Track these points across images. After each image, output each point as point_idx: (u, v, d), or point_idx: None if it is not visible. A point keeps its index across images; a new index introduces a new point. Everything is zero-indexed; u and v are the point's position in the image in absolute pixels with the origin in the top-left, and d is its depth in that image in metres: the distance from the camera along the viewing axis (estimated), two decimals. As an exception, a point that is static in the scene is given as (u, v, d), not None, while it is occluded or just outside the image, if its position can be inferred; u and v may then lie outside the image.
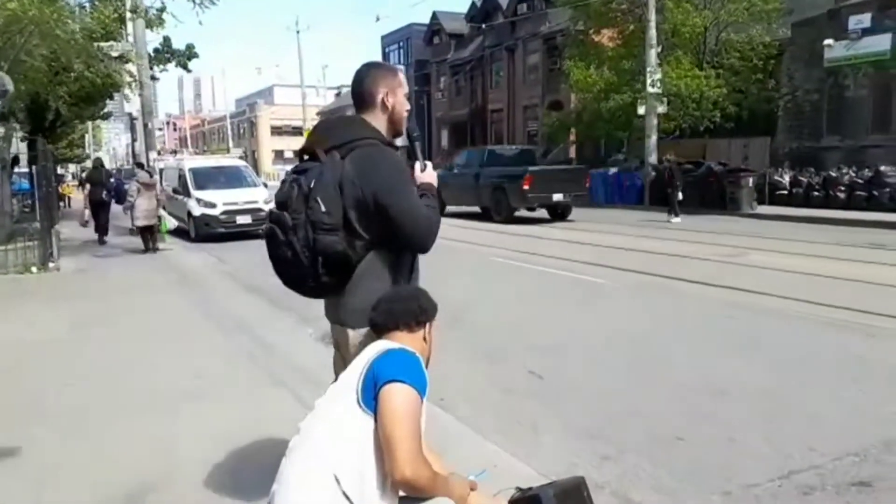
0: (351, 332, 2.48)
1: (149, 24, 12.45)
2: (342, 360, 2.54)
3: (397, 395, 2.02)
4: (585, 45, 26.20)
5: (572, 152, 33.75)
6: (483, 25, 39.27)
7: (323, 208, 2.32)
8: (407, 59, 48.26)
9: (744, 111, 22.81)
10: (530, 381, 5.12)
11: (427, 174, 2.58)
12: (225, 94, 75.38)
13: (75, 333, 6.65)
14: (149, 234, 12.68)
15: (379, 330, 2.29)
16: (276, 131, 70.79)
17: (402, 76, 2.58)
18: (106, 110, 21.81)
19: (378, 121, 2.51)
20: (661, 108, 21.78)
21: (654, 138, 22.06)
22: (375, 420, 2.03)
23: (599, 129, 25.83)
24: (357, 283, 2.43)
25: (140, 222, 12.55)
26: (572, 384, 5.01)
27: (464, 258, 11.79)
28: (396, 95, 2.51)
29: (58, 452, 3.76)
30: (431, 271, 10.28)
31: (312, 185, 2.36)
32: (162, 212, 12.70)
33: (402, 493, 2.08)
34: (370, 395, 2.04)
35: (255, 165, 72.17)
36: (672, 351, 5.77)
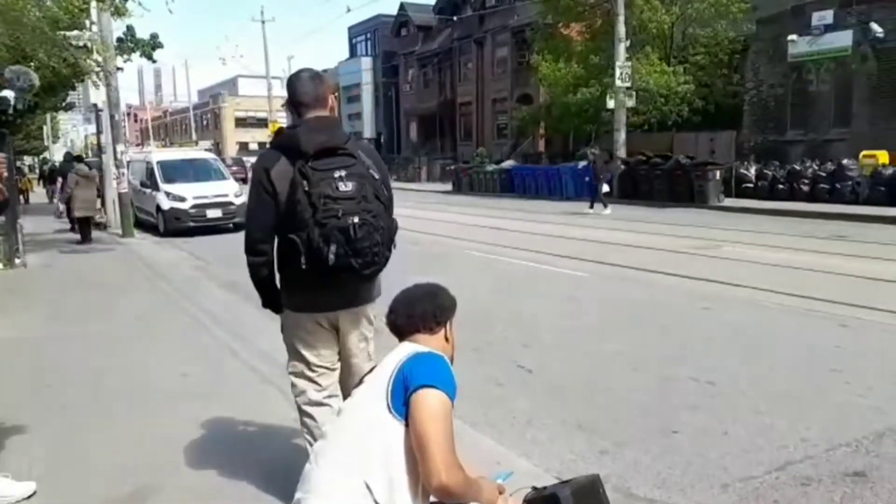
0: (369, 307, 2.93)
1: (116, 13, 12.11)
2: (346, 349, 2.94)
3: (430, 400, 1.98)
4: (554, 38, 26.32)
5: (541, 146, 33.96)
6: (452, 18, 39.15)
7: (386, 193, 2.74)
8: (374, 50, 47.92)
9: (710, 105, 23.20)
10: (520, 376, 5.12)
11: None
12: (188, 85, 73.74)
13: (50, 331, 6.45)
14: (87, 225, 13.08)
15: (400, 333, 2.25)
16: (241, 123, 69.65)
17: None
18: (67, 101, 21.20)
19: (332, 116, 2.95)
20: (630, 102, 22.01)
21: (622, 132, 22.30)
22: (406, 426, 1.98)
23: (568, 122, 26.01)
24: (384, 257, 2.79)
25: (78, 213, 12.90)
26: (561, 378, 5.02)
27: (432, 251, 11.76)
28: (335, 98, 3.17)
29: (41, 457, 3.62)
30: (410, 264, 10.25)
31: (377, 174, 2.73)
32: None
33: (433, 500, 2.04)
34: (400, 401, 2.00)
35: (220, 157, 71.17)
36: (654, 344, 5.83)
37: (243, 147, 68.17)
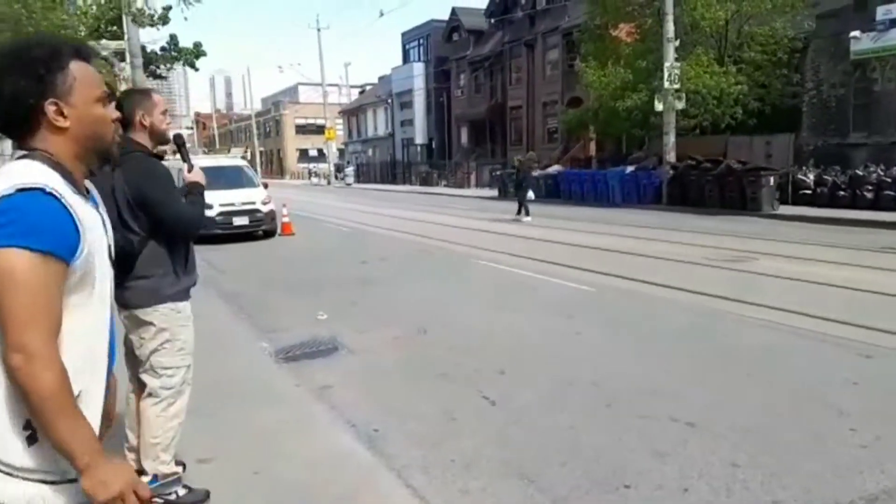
0: (140, 312, 2.96)
1: (135, 21, 12.18)
2: (131, 347, 3.07)
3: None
4: (603, 40, 25.46)
5: (592, 149, 33.04)
6: (502, 20, 38.65)
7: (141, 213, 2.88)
8: (426, 55, 47.82)
9: (767, 107, 21.90)
10: (480, 407, 4.64)
11: (194, 174, 3.13)
12: (251, 93, 75.69)
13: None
14: None
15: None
16: (301, 130, 70.93)
17: (156, 96, 3.08)
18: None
19: (140, 137, 2.97)
20: (680, 105, 21.02)
21: (672, 136, 21.34)
22: None
23: (617, 127, 25.11)
24: (140, 270, 2.92)
25: None
26: (524, 412, 4.51)
27: (445, 262, 11.40)
28: (152, 115, 2.99)
29: None
30: (408, 276, 9.93)
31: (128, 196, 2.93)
32: None
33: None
34: None
35: (280, 164, 72.62)
36: (645, 373, 5.23)
37: (303, 154, 69.48)
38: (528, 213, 17.64)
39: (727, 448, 3.82)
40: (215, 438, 3.93)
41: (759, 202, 17.73)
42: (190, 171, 3.16)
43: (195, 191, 3.10)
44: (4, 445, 1.34)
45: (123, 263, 2.82)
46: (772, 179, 17.94)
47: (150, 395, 3.03)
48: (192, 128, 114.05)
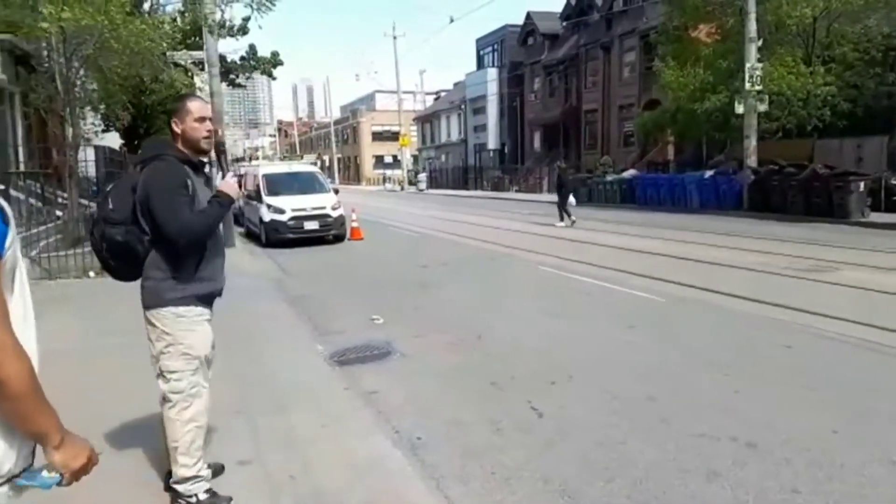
0: (147, 312, 3.05)
1: (211, 33, 12.65)
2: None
3: None
4: (681, 41, 24.68)
5: (670, 153, 32.09)
6: (577, 23, 38.11)
7: (110, 206, 3.00)
8: (501, 60, 47.72)
9: (858, 108, 20.62)
10: (527, 419, 4.50)
11: (224, 184, 3.12)
12: (330, 101, 77.68)
13: (86, 342, 6.59)
14: None
15: None
16: (377, 136, 72.11)
17: (190, 104, 3.07)
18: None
19: (177, 142, 3.06)
20: (762, 107, 20.10)
21: (753, 139, 20.44)
22: None
23: (695, 130, 24.26)
24: (146, 271, 3.03)
25: None
26: (572, 425, 4.35)
27: (507, 267, 11.26)
28: (185, 122, 3.02)
29: None
30: (468, 281, 9.86)
31: (110, 188, 3.23)
32: None
33: None
34: None
35: (357, 170, 74.09)
36: (708, 388, 4.96)
37: (378, 160, 70.62)
38: (568, 217, 17.65)
39: (789, 472, 3.55)
40: (257, 440, 3.96)
41: (847, 209, 16.70)
42: (223, 179, 3.20)
43: (219, 201, 3.06)
44: None
45: (130, 259, 3.02)
46: (861, 185, 16.86)
47: (164, 398, 3.06)
48: (274, 135, 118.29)
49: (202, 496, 3.06)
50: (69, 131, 10.86)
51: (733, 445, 3.90)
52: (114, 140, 18.95)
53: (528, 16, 44.02)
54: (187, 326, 3.03)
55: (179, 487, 3.07)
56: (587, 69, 39.12)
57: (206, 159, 3.30)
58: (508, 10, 49.10)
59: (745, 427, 4.15)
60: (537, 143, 44.00)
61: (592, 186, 28.25)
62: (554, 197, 19.59)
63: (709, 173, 22.66)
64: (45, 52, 10.77)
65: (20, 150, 14.57)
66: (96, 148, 10.42)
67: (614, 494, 3.41)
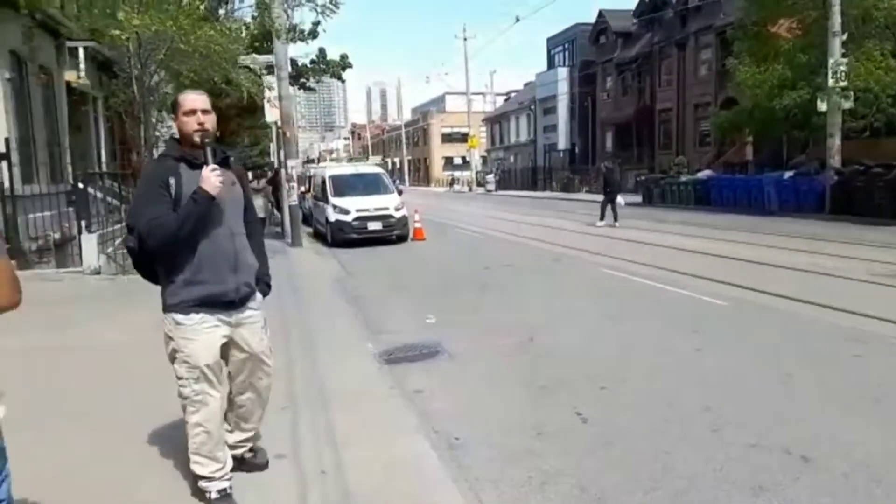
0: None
1: (278, 38, 12.97)
2: None
3: None
4: (759, 37, 23.63)
5: (748, 153, 30.83)
6: (651, 20, 37.16)
7: (123, 213, 3.18)
8: (572, 59, 47.07)
9: (957, 104, 19.25)
10: (571, 424, 4.38)
11: (202, 179, 2.86)
12: (400, 104, 78.73)
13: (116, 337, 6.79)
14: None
15: None
16: (447, 138, 72.43)
17: (181, 97, 3.04)
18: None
19: (180, 139, 3.04)
20: (847, 104, 19.03)
21: (837, 138, 19.38)
22: None
23: (774, 129, 23.20)
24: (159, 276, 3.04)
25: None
26: (617, 432, 4.20)
27: (571, 269, 11.05)
28: (177, 116, 2.98)
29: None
30: (528, 283, 9.73)
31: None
32: None
33: None
34: None
35: (427, 171, 74.67)
36: (767, 399, 4.70)
37: (448, 161, 70.94)
38: (613, 218, 17.67)
39: (845, 488, 3.32)
40: (296, 435, 4.00)
41: (943, 212, 15.62)
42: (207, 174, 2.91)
43: (194, 197, 2.83)
44: None
45: (142, 265, 3.05)
46: (957, 186, 15.73)
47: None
48: (348, 138, 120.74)
49: (213, 496, 3.09)
50: (145, 133, 11.37)
51: (786, 458, 3.67)
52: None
53: (601, 14, 43.25)
54: (186, 335, 2.94)
55: (198, 483, 3.14)
56: (661, 67, 38.10)
57: (224, 154, 3.13)
58: (579, 9, 48.34)
59: (802, 439, 3.90)
60: (609, 143, 43.16)
61: (665, 187, 27.47)
62: (627, 198, 19.41)
63: (788, 174, 21.63)
64: (127, 58, 11.27)
65: (102, 151, 15.39)
66: (169, 149, 10.88)
67: (655, 506, 3.26)
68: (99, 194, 11.14)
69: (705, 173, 26.74)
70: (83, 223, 10.26)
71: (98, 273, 10.07)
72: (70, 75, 13.14)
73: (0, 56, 10.12)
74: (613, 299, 8.51)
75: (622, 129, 41.65)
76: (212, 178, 2.83)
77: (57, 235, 11.37)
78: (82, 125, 14.69)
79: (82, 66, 13.21)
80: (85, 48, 12.91)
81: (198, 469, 3.10)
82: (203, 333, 2.95)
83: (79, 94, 13.97)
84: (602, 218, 17.92)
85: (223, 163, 3.03)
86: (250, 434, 3.43)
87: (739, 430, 4.12)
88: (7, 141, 9.78)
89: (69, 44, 12.70)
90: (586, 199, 33.42)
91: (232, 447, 3.30)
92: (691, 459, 3.74)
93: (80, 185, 10.53)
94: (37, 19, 10.66)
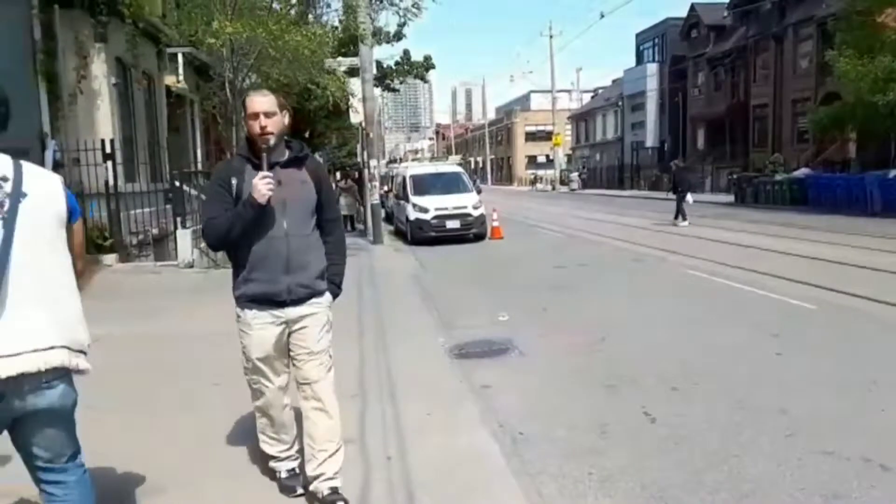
0: None
1: (364, 42, 13.30)
2: None
3: None
4: (864, 28, 22.21)
5: (852, 151, 29.06)
6: (746, 13, 35.61)
7: None
8: (662, 55, 45.74)
9: None
10: (638, 424, 4.32)
11: (252, 186, 2.84)
12: (484, 103, 78.76)
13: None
14: (348, 220, 16.70)
15: None
16: (531, 137, 71.93)
17: (247, 99, 3.00)
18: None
19: None
20: (962, 97, 17.66)
21: (951, 133, 18.01)
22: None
23: (878, 124, 21.76)
24: None
25: (342, 212, 15.15)
26: (686, 432, 4.11)
27: (651, 269, 10.79)
28: (245, 118, 3.00)
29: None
30: (604, 282, 9.63)
31: None
32: None
33: None
34: None
35: (510, 170, 74.45)
36: (851, 406, 4.48)
37: (531, 160, 70.48)
38: (684, 218, 17.82)
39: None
40: (364, 422, 4.14)
41: None
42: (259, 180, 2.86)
43: (243, 202, 2.86)
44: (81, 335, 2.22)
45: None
46: None
47: None
48: (433, 138, 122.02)
49: (283, 475, 3.30)
50: (239, 134, 11.92)
51: (864, 466, 3.51)
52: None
53: (692, 7, 41.80)
54: (242, 327, 3.05)
55: (269, 463, 3.34)
56: (756, 61, 36.43)
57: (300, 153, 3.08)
58: (667, 4, 46.84)
59: (883, 448, 3.71)
60: (700, 141, 41.70)
61: (759, 186, 26.31)
62: (719, 197, 18.88)
63: (894, 172, 20.29)
64: (221, 63, 11.87)
65: (198, 151, 16.25)
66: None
67: (719, 507, 3.19)
68: (193, 192, 11.78)
69: (802, 172, 25.43)
70: (179, 219, 10.89)
71: (192, 266, 10.66)
72: (169, 79, 13.96)
73: (107, 63, 10.88)
74: (693, 301, 8.27)
75: (714, 126, 40.14)
76: (260, 186, 2.79)
77: (155, 231, 12.12)
78: (179, 127, 15.56)
79: (180, 70, 14.01)
80: (183, 54, 13.69)
81: (265, 448, 3.28)
82: (256, 329, 3.00)
83: (176, 98, 14.81)
84: (678, 216, 17.92)
85: (295, 161, 3.01)
86: (323, 462, 3.08)
87: (815, 436, 3.96)
88: (112, 142, 10.49)
89: (168, 50, 13.49)
90: (675, 198, 32.40)
91: (310, 481, 3.11)
92: (761, 463, 3.63)
93: (177, 184, 11.18)
94: (140, 28, 11.39)
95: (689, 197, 18.45)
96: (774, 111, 35.13)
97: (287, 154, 3.02)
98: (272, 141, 2.89)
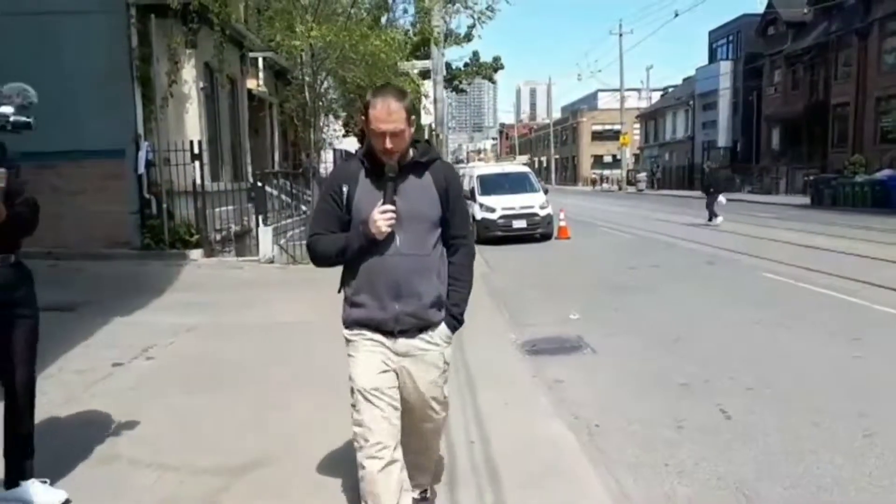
0: None
1: (436, 45, 13.61)
2: None
3: None
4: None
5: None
6: (829, 8, 34.29)
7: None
8: (736, 53, 44.47)
9: None
10: (712, 420, 4.40)
11: (370, 219, 2.46)
12: (550, 103, 78.36)
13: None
14: None
15: None
16: (597, 136, 71.05)
17: (372, 111, 2.45)
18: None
19: None
20: None
21: None
22: None
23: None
24: None
25: None
26: (761, 429, 4.17)
27: (726, 272, 10.64)
28: (366, 122, 2.49)
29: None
30: (677, 284, 9.61)
31: None
32: None
33: None
34: None
35: (575, 170, 73.78)
36: (933, 409, 4.44)
37: (597, 160, 69.63)
38: (714, 216, 18.07)
39: None
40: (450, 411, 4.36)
41: None
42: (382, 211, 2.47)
43: (357, 234, 2.51)
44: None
45: None
46: None
47: None
48: (496, 138, 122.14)
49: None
50: (314, 136, 12.41)
51: (944, 469, 3.51)
52: (352, 144, 21.11)
53: (770, 3, 40.46)
54: (349, 350, 2.64)
55: None
56: (838, 59, 34.99)
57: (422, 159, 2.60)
58: (738, 1, 45.54)
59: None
60: (775, 141, 40.34)
61: (838, 188, 25.36)
62: (795, 199, 18.50)
63: None
64: (299, 67, 12.36)
65: (276, 152, 16.94)
66: (334, 150, 11.87)
67: (793, 499, 3.27)
68: (274, 192, 12.34)
69: (885, 173, 24.37)
70: (260, 217, 11.43)
71: (272, 262, 11.17)
72: (251, 83, 14.62)
73: (196, 68, 11.53)
74: (772, 305, 8.14)
75: (790, 126, 38.77)
76: (379, 221, 2.42)
77: (237, 228, 12.75)
78: (259, 128, 16.26)
79: (261, 74, 14.65)
80: (264, 58, 14.31)
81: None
82: (363, 350, 2.59)
83: (257, 100, 15.48)
84: (710, 218, 18.19)
85: (417, 167, 2.57)
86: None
87: (894, 436, 3.95)
88: (200, 143, 11.11)
89: (251, 54, 14.14)
90: (748, 199, 31.56)
91: None
92: (838, 461, 3.68)
93: (259, 184, 11.73)
94: (226, 34, 12.00)
95: (722, 198, 18.53)
96: (856, 110, 33.69)
97: (410, 155, 2.55)
98: (396, 168, 2.48)
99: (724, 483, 3.49)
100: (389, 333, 2.56)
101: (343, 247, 2.53)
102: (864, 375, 5.26)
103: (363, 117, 2.54)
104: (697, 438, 4.10)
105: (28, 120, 2.82)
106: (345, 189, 2.56)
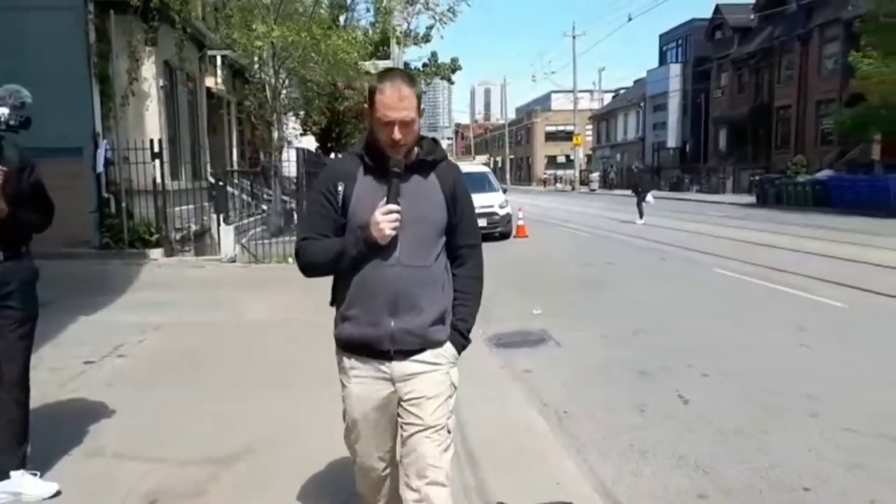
0: None
1: (398, 43, 13.76)
2: None
3: None
4: (891, 30, 22.23)
5: (876, 153, 29.00)
6: (772, 14, 35.59)
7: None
8: (685, 56, 45.80)
9: None
10: (672, 405, 4.69)
11: (372, 222, 2.13)
12: (505, 103, 79.15)
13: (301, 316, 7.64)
14: None
15: None
16: (551, 137, 72.10)
17: (380, 88, 2.13)
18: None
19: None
20: None
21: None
22: None
23: (904, 126, 21.82)
24: None
25: None
26: (716, 413, 4.47)
27: (677, 268, 11.08)
28: (373, 114, 2.16)
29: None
30: (633, 280, 9.96)
31: None
32: None
33: None
34: None
35: (529, 170, 74.69)
36: (872, 391, 4.83)
37: (551, 160, 70.64)
38: (641, 216, 18.96)
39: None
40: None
41: None
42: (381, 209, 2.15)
43: (356, 238, 2.18)
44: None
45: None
46: None
47: None
48: (451, 138, 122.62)
49: None
50: (275, 135, 12.43)
51: (881, 441, 3.86)
52: (309, 143, 21.04)
53: (717, 9, 41.80)
54: (341, 374, 2.36)
55: None
56: (781, 63, 36.40)
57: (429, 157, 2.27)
58: (690, 5, 46.81)
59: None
60: (722, 142, 41.73)
61: (781, 188, 26.42)
62: (741, 198, 19.12)
63: (920, 175, 20.37)
64: (257, 66, 12.36)
65: (234, 151, 16.82)
66: (297, 149, 11.91)
67: (748, 474, 3.56)
68: (234, 191, 12.30)
69: (825, 173, 25.51)
70: (221, 216, 11.39)
71: (234, 261, 11.14)
72: (210, 81, 14.51)
73: (156, 66, 11.42)
74: (722, 299, 8.57)
75: (736, 127, 40.16)
76: (382, 223, 2.11)
77: (196, 227, 12.66)
78: (217, 127, 16.13)
79: (220, 72, 14.55)
80: (223, 56, 14.22)
81: None
82: (354, 382, 2.31)
83: (216, 99, 15.37)
84: (641, 216, 19.00)
85: (422, 166, 2.26)
86: None
87: (838, 416, 4.30)
88: (160, 142, 11.02)
89: (210, 53, 14.04)
90: (696, 199, 32.58)
91: None
92: (788, 439, 3.99)
93: (220, 182, 11.68)
94: (187, 32, 11.92)
95: (650, 197, 19.50)
96: (798, 113, 35.11)
97: (414, 154, 2.24)
98: (403, 163, 2.18)
99: (685, 461, 3.75)
100: (384, 355, 2.23)
101: (338, 253, 2.20)
102: (810, 362, 5.64)
103: (367, 105, 2.21)
104: (658, 422, 4.37)
105: (26, 118, 2.89)
106: (340, 188, 2.23)
